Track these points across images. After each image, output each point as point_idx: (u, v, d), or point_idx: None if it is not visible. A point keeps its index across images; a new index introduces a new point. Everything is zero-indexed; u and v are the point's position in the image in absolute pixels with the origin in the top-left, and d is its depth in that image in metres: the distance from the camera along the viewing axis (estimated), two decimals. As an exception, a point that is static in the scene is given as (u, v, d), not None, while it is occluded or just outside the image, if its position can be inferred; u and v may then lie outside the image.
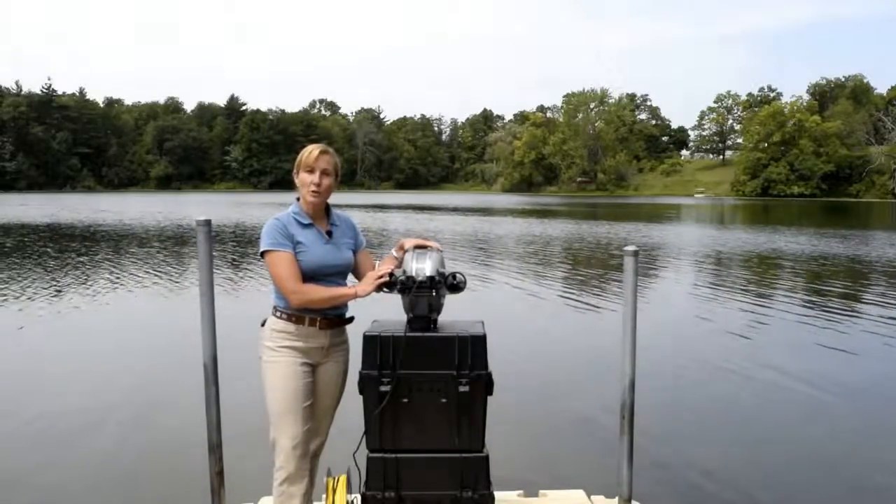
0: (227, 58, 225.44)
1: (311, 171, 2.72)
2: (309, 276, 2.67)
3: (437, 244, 2.77)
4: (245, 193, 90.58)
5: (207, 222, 2.84)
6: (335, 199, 2.85)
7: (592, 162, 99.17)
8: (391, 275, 2.63)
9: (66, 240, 21.91)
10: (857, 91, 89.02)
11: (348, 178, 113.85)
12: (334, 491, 2.80)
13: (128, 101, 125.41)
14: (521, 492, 3.41)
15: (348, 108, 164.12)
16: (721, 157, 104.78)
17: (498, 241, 22.22)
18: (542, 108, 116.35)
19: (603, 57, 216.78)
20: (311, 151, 2.73)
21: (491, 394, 2.61)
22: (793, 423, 5.49)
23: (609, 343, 7.46)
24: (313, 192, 2.71)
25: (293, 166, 2.80)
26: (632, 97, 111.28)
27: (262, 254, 2.70)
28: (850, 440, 5.16)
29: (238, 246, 19.90)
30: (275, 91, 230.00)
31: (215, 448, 2.90)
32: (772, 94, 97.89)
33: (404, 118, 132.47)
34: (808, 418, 5.60)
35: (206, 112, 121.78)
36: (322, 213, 2.82)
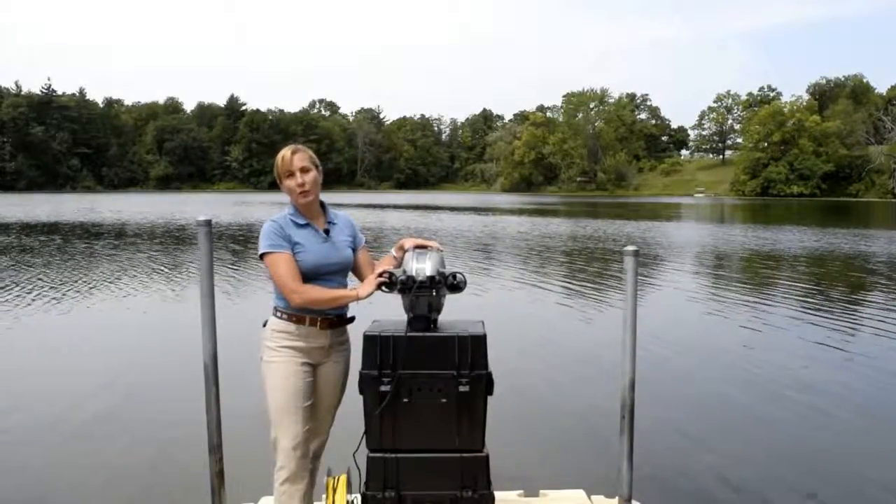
0: (227, 58, 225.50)
1: (291, 174, 2.70)
2: (308, 275, 2.67)
3: (437, 244, 2.77)
4: (245, 193, 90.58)
5: (208, 222, 2.84)
6: (335, 199, 2.85)
7: (592, 162, 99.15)
8: (391, 275, 2.63)
9: (91, 238, 21.92)
10: (856, 91, 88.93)
11: (348, 178, 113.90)
12: (334, 491, 2.80)
13: (128, 101, 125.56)
14: (521, 492, 3.41)
15: (348, 108, 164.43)
16: (721, 156, 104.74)
17: (498, 241, 22.23)
18: (542, 108, 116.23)
19: (603, 57, 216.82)
20: (282, 157, 2.71)
21: (491, 394, 2.60)
22: (794, 422, 5.49)
23: (609, 342, 7.48)
24: (301, 193, 2.70)
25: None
26: (632, 97, 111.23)
27: (262, 256, 2.70)
28: (852, 441, 5.15)
29: (239, 246, 19.90)
30: (275, 91, 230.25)
31: (215, 448, 2.89)
32: (772, 94, 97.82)
33: (404, 118, 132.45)
34: (810, 418, 5.60)
35: (205, 112, 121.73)
36: (318, 212, 2.81)
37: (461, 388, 2.54)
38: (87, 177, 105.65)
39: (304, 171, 2.70)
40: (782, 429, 5.34)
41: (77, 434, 5.12)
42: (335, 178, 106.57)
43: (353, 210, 38.27)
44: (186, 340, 5.58)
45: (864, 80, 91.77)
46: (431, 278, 2.58)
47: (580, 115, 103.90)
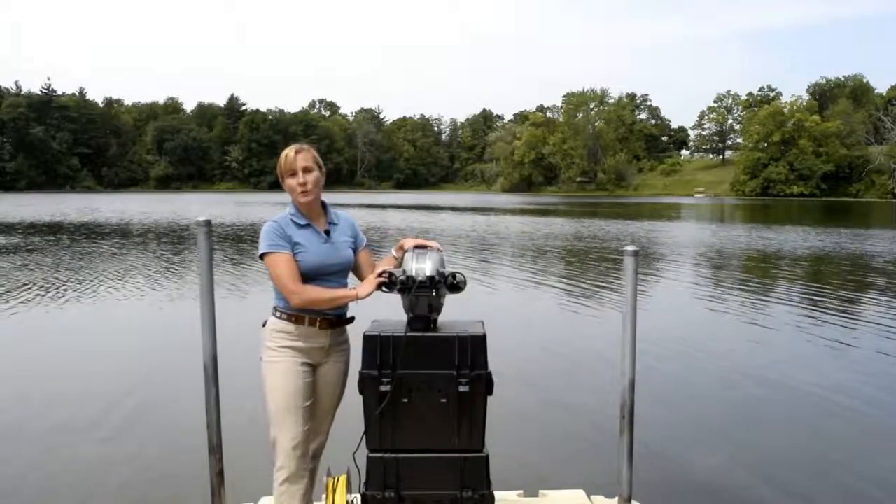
0: (227, 58, 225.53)
1: (293, 173, 2.70)
2: (309, 275, 2.67)
3: (437, 244, 2.77)
4: (245, 193, 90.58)
5: (207, 222, 2.84)
6: (334, 199, 2.85)
7: (592, 162, 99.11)
8: (391, 275, 2.63)
9: (98, 238, 21.92)
10: (856, 91, 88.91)
11: (348, 178, 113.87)
12: (334, 491, 2.80)
13: (128, 101, 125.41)
14: (521, 492, 3.41)
15: (348, 108, 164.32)
16: (721, 156, 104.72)
17: (502, 240, 22.22)
18: (542, 108, 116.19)
19: (603, 57, 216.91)
20: (286, 156, 2.71)
21: (491, 394, 2.61)
22: (794, 422, 5.49)
23: (609, 342, 7.47)
24: (302, 192, 2.70)
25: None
26: (632, 97, 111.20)
27: (262, 256, 2.70)
28: (852, 440, 5.15)
29: (239, 246, 19.90)
30: (275, 91, 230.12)
31: (215, 448, 2.90)
32: (772, 94, 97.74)
33: (404, 118, 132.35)
34: (809, 418, 5.60)
35: (205, 112, 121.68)
36: (319, 212, 2.81)
37: (461, 388, 2.54)
38: (87, 177, 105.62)
39: (306, 170, 2.70)
40: (783, 428, 5.34)
41: (77, 434, 5.12)
42: (335, 178, 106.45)
43: (354, 210, 38.24)
44: (187, 340, 5.59)
45: (864, 80, 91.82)
46: (431, 278, 2.58)
47: (580, 115, 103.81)
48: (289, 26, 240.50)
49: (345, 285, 2.78)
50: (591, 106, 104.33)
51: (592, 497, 3.38)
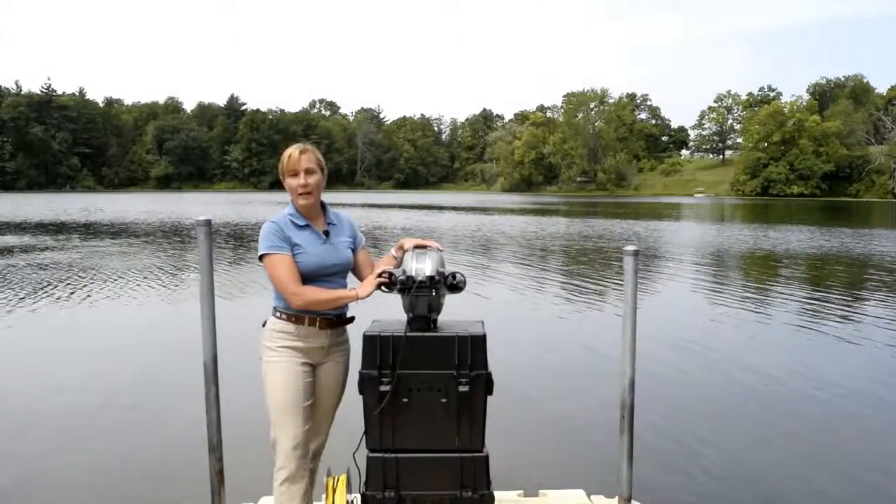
0: (227, 58, 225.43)
1: (295, 174, 2.69)
2: (308, 276, 2.67)
3: (437, 244, 2.76)
4: (245, 193, 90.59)
5: (207, 222, 2.84)
6: (335, 199, 2.85)
7: (592, 161, 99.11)
8: (391, 275, 2.62)
9: (107, 237, 21.92)
10: (856, 91, 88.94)
11: (348, 178, 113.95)
12: (334, 491, 2.80)
13: (128, 101, 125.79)
14: (521, 492, 3.41)
15: (348, 108, 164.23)
16: (721, 156, 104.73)
17: (498, 240, 22.21)
18: (542, 108, 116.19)
19: (604, 57, 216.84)
20: (289, 155, 2.70)
21: (491, 393, 2.61)
22: (795, 422, 5.48)
23: (609, 342, 7.48)
24: (302, 194, 2.70)
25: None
26: (632, 97, 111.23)
27: (261, 258, 2.70)
28: (852, 439, 5.15)
29: (240, 245, 19.90)
30: (275, 91, 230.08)
31: (215, 448, 2.90)
32: (772, 94, 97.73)
33: (404, 118, 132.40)
34: (809, 417, 5.60)
35: (206, 112, 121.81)
36: (318, 213, 2.80)
37: (461, 388, 2.54)
38: (87, 176, 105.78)
39: (308, 172, 2.70)
40: (785, 428, 5.33)
41: (76, 433, 5.12)
42: (335, 177, 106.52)
43: (356, 210, 38.27)
44: (187, 340, 5.58)
45: (864, 80, 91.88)
46: (431, 278, 2.58)
47: (580, 115, 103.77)
48: (289, 26, 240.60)
49: (344, 285, 2.78)
50: (591, 106, 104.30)
51: (592, 497, 3.38)
